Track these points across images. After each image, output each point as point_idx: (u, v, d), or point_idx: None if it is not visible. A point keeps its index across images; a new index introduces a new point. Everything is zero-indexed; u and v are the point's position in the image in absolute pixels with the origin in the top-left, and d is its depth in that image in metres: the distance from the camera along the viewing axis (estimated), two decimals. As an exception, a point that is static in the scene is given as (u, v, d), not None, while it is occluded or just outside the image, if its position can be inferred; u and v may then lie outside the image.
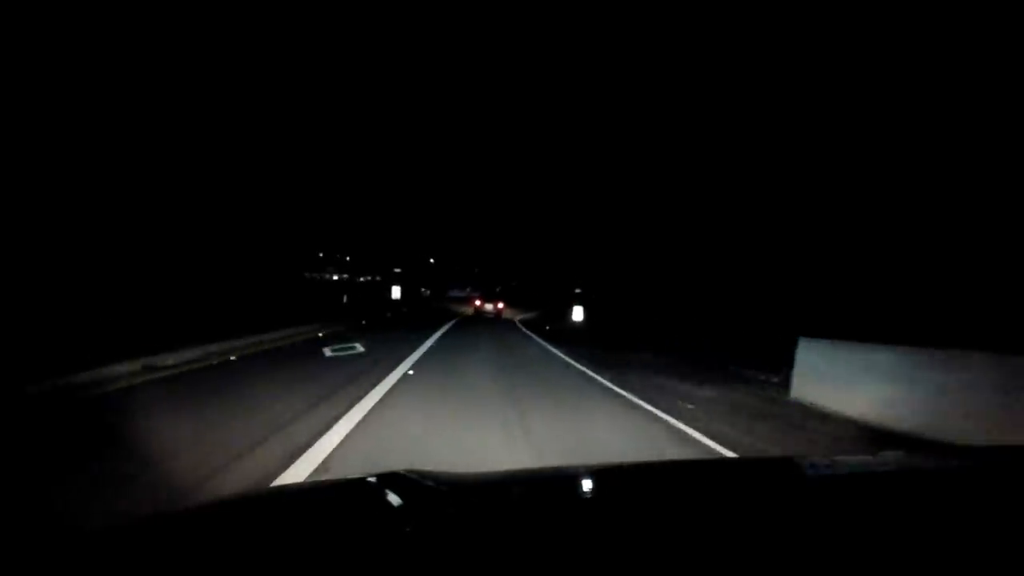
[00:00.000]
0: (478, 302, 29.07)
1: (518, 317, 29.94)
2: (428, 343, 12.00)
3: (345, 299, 17.13)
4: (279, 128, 22.93)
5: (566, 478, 1.32)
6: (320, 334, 12.69)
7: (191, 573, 0.71)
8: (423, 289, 41.01)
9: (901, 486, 1.11)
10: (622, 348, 14.01)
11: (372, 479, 1.05)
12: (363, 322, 16.76)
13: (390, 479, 1.03)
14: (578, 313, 28.92)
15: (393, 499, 0.94)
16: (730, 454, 4.51)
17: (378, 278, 40.57)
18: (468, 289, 48.86)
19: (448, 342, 12.64)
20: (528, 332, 18.70)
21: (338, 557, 0.72)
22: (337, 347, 10.27)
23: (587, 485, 1.23)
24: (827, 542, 0.78)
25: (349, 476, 1.21)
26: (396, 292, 28.04)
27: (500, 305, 29.18)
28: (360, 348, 10.30)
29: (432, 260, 61.50)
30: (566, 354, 11.79)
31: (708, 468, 1.60)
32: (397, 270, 31.74)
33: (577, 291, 31.22)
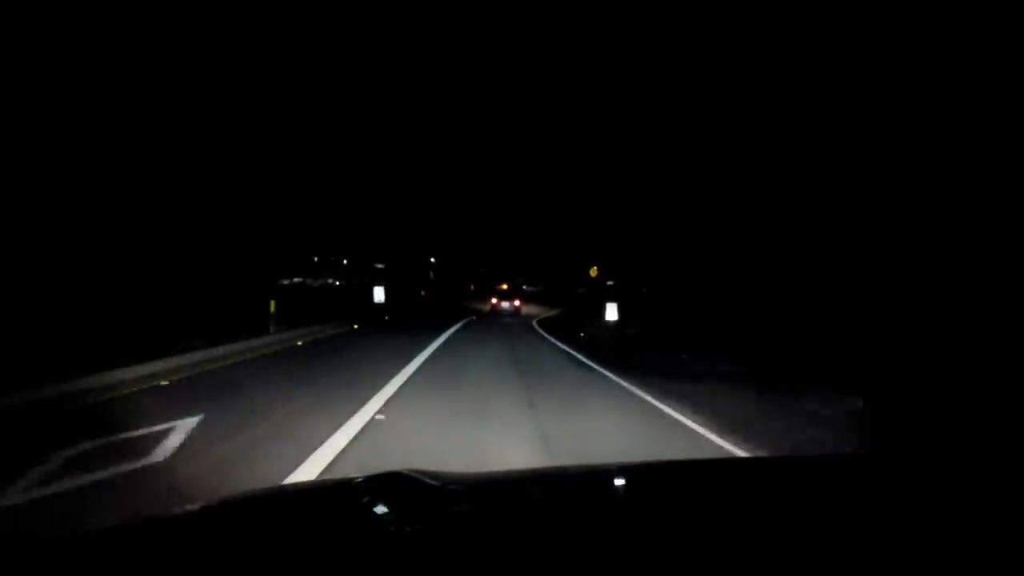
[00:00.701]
0: (495, 300, 27.39)
1: (537, 319, 23.44)
2: (379, 399, 5.58)
3: (273, 307, 10.80)
4: (268, 126, 21.39)
5: (568, 478, 1.30)
6: (164, 382, 6.27)
7: (192, 573, 0.69)
8: (421, 291, 34.64)
9: (902, 485, 1.09)
10: (763, 379, 7.41)
11: (373, 479, 1.00)
12: (299, 343, 10.38)
13: (391, 479, 0.98)
14: (612, 311, 21.99)
15: (394, 499, 0.91)
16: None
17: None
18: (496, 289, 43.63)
19: (421, 398, 6.14)
20: (564, 346, 12.21)
21: (339, 557, 0.71)
22: (97, 444, 3.86)
23: (589, 484, 1.20)
24: (828, 541, 0.77)
25: (350, 476, 1.10)
26: (379, 294, 21.60)
27: (517, 303, 26.61)
28: (157, 454, 3.83)
29: (433, 259, 57.00)
30: (708, 424, 5.28)
31: (710, 468, 1.53)
32: (379, 266, 25.21)
33: (609, 283, 24.66)
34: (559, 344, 12.67)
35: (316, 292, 30.79)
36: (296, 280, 39.07)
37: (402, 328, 14.81)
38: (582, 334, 16.24)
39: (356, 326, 14.26)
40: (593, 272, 40.86)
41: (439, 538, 0.76)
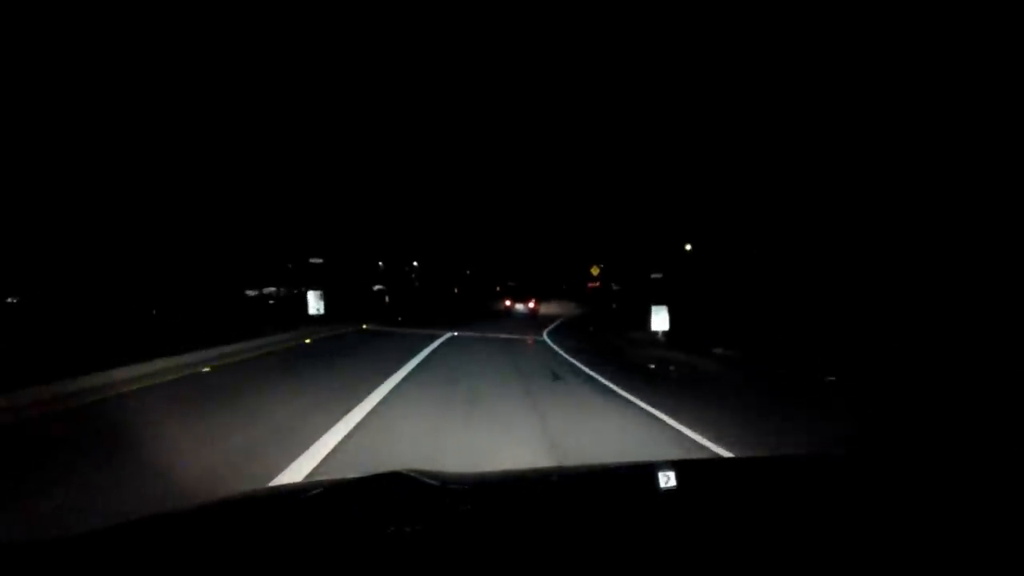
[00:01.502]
0: (508, 301, 26.46)
1: (548, 329, 16.00)
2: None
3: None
4: (240, 130, 19.57)
5: (568, 477, 1.29)
6: None
7: (191, 573, 0.67)
8: (385, 296, 27.30)
9: (896, 484, 1.07)
10: None
11: (373, 479, 0.98)
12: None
13: (391, 479, 0.97)
14: (661, 319, 14.28)
15: (394, 499, 0.90)
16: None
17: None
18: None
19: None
20: (696, 435, 4.97)
21: (340, 557, 0.69)
22: None
23: (589, 484, 1.19)
24: (822, 540, 0.75)
25: (349, 476, 1.09)
26: (314, 303, 14.25)
27: (532, 304, 24.12)
28: None
29: (416, 263, 51.46)
30: None
31: (707, 468, 1.53)
32: (316, 261, 17.78)
33: (655, 276, 17.45)
34: (666, 420, 5.37)
35: (268, 302, 24.88)
36: (269, 290, 32.62)
37: (320, 364, 7.43)
38: (652, 366, 8.98)
39: (205, 370, 6.83)
40: (595, 271, 35.20)
41: (439, 538, 0.75)
